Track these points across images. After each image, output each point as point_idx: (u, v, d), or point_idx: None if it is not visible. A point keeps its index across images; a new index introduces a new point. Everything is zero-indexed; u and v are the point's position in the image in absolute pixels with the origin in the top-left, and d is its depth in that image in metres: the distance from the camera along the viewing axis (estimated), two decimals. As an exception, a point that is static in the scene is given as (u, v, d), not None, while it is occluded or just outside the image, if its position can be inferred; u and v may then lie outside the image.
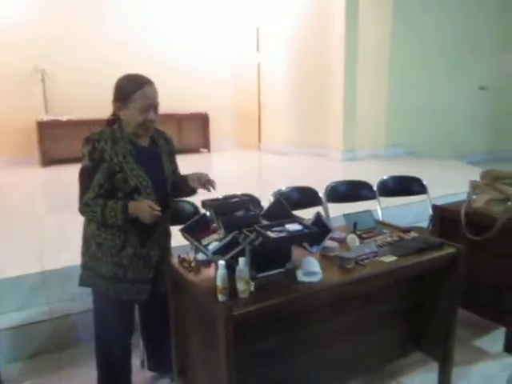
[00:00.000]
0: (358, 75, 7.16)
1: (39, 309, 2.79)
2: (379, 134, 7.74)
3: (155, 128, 2.04)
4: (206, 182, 2.03)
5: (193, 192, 2.18)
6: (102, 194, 1.86)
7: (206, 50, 8.42)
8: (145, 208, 1.83)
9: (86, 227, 2.00)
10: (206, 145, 8.42)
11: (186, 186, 2.10)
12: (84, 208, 1.87)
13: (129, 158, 1.89)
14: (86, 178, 1.86)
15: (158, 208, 1.85)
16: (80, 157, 1.91)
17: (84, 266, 2.02)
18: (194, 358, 2.01)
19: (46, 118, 7.03)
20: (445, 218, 2.90)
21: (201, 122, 8.33)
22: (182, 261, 1.98)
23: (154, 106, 1.90)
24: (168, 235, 2.18)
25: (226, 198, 2.11)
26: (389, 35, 7.48)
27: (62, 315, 2.74)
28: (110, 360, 2.13)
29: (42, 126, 6.90)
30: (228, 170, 6.85)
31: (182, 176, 2.17)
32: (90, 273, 1.99)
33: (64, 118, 7.03)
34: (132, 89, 1.85)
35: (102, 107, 2.16)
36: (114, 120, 1.96)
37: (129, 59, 7.30)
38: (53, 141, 6.85)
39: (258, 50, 8.55)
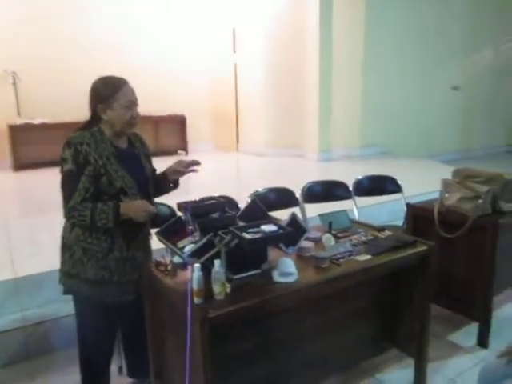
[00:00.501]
0: (332, 76, 7.26)
1: (12, 316, 2.73)
2: (354, 135, 7.86)
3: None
4: (187, 166, 2.10)
5: (175, 185, 2.22)
6: (89, 198, 1.84)
7: (182, 52, 8.38)
8: (138, 206, 1.87)
9: (67, 233, 1.97)
10: (183, 147, 8.37)
11: (166, 181, 2.15)
12: (71, 212, 1.84)
13: (112, 159, 1.89)
14: (70, 181, 1.83)
15: (151, 205, 1.89)
16: (55, 160, 1.92)
17: (67, 273, 1.97)
18: (171, 361, 2.00)
19: (18, 121, 6.88)
20: (418, 216, 2.96)
21: (178, 123, 8.29)
22: (157, 264, 1.97)
23: (135, 102, 1.94)
24: (149, 235, 2.17)
25: (203, 200, 2.10)
26: (362, 37, 7.60)
27: (34, 322, 2.69)
28: (93, 364, 2.12)
29: (14, 130, 6.74)
30: (206, 172, 6.76)
31: (160, 173, 2.19)
32: (74, 280, 1.96)
33: (37, 121, 6.89)
34: (114, 88, 1.87)
35: (75, 110, 2.16)
36: (90, 123, 1.94)
37: (103, 61, 7.20)
38: (25, 144, 6.71)
39: (234, 51, 8.56)
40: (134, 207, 1.88)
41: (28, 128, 6.79)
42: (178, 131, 8.32)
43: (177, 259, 1.93)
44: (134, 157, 2.04)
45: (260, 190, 3.15)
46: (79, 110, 2.01)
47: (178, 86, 8.27)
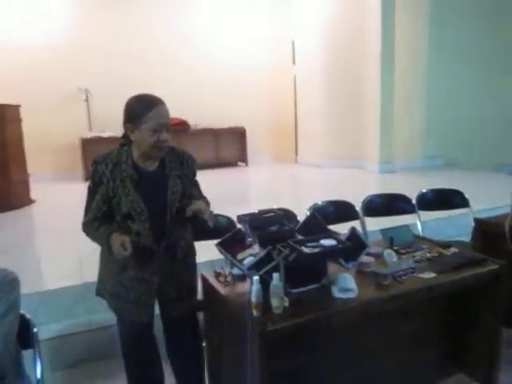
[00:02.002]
0: (394, 85, 7.07)
1: (78, 320, 2.87)
2: (416, 145, 7.60)
3: (173, 148, 1.95)
4: (198, 212, 1.85)
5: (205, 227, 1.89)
6: (100, 217, 1.84)
7: (243, 65, 8.54)
8: (117, 244, 1.73)
9: None
10: (243, 158, 8.50)
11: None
12: (84, 228, 1.89)
13: (127, 182, 1.83)
14: (88, 198, 1.87)
15: (129, 248, 1.72)
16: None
17: (99, 277, 2.06)
18: (227, 372, 2.01)
19: (89, 135, 7.33)
20: (487, 232, 2.80)
21: (238, 135, 8.43)
22: (217, 275, 2.00)
23: (166, 125, 1.82)
24: (178, 263, 1.98)
25: (261, 213, 2.12)
26: (427, 44, 7.38)
27: (100, 327, 2.81)
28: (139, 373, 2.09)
29: (86, 143, 7.19)
30: (265, 184, 6.89)
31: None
32: (101, 285, 2.03)
33: (105, 134, 7.30)
34: (143, 109, 1.78)
35: None
36: (125, 142, 1.90)
37: (167, 76, 7.54)
38: (95, 156, 7.11)
39: (294, 62, 8.62)
40: (115, 243, 1.74)
41: (97, 141, 7.21)
42: (238, 143, 8.47)
43: (236, 271, 1.96)
44: (159, 180, 1.90)
45: (319, 202, 3.12)
46: None
47: (238, 99, 8.43)
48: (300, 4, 8.18)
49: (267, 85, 8.80)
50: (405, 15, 7.13)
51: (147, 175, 1.88)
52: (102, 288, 2.02)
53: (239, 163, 8.57)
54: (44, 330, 2.73)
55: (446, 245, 2.27)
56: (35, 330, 1.72)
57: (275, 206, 2.76)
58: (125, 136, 1.89)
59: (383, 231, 2.33)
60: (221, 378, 2.08)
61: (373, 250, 2.13)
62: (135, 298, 1.92)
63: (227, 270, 2.01)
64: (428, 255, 2.15)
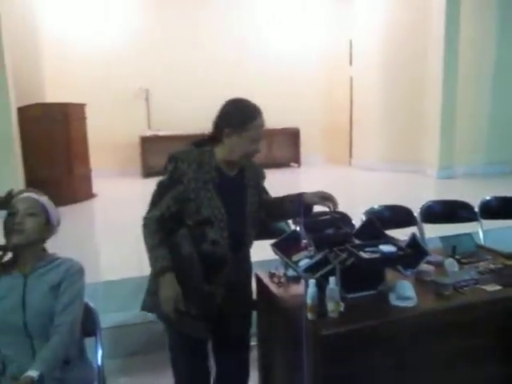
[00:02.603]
0: (457, 85, 6.78)
1: (137, 311, 2.97)
2: (480, 150, 7.23)
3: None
4: (326, 199, 1.90)
5: (307, 210, 1.94)
6: (168, 217, 1.72)
7: (298, 65, 8.51)
8: (168, 293, 1.66)
9: None
10: (296, 159, 8.48)
11: (290, 205, 1.92)
12: (144, 223, 1.75)
13: (210, 186, 1.74)
14: (157, 193, 1.76)
15: (181, 307, 1.67)
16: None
17: (148, 290, 1.86)
18: (279, 374, 2.01)
19: (148, 133, 7.59)
20: (559, 245, 2.61)
21: (292, 136, 8.42)
22: (271, 276, 2.01)
23: (261, 137, 1.79)
24: (242, 275, 1.93)
25: (317, 215, 2.10)
26: (494, 42, 7.01)
27: (155, 320, 2.89)
28: None
29: (145, 141, 7.47)
30: (318, 186, 6.79)
31: (285, 197, 1.98)
32: (152, 298, 1.80)
33: (161, 133, 7.53)
34: (248, 117, 1.74)
35: (197, 123, 2.08)
36: (206, 141, 1.83)
37: (224, 77, 7.65)
38: (153, 154, 7.37)
39: (350, 63, 8.48)
40: (166, 290, 1.67)
41: (155, 139, 7.47)
42: (292, 144, 8.46)
43: (290, 272, 1.96)
44: (239, 187, 1.85)
45: (375, 206, 3.05)
46: (200, 124, 1.93)
47: (292, 99, 8.40)
48: (361, 4, 8.03)
49: (322, 85, 8.72)
50: (471, 12, 6.82)
51: (228, 180, 1.80)
52: (153, 302, 1.80)
53: (292, 164, 8.55)
54: (103, 320, 2.87)
55: (512, 256, 2.15)
56: (98, 318, 1.79)
57: (328, 209, 2.73)
58: (214, 137, 1.80)
59: (444, 239, 2.24)
60: (273, 376, 2.08)
61: (433, 258, 2.05)
62: (196, 313, 1.76)
63: (281, 271, 2.01)
64: (492, 266, 2.05)
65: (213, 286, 1.78)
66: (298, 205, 1.93)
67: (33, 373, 1.40)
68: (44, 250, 1.69)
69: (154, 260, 1.71)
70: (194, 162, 1.73)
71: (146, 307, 1.89)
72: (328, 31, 8.56)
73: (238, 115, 1.75)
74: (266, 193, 2.04)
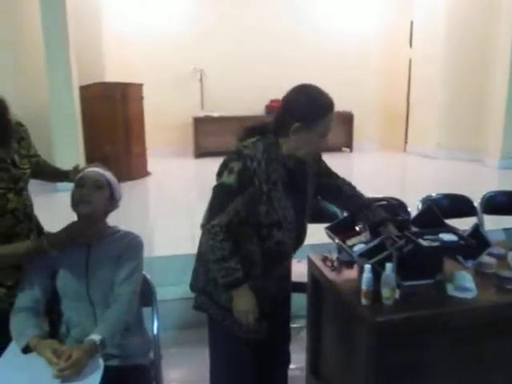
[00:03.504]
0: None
1: (188, 287, 3.06)
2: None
3: None
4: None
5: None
6: (236, 223, 1.56)
7: (354, 46, 8.27)
8: (245, 307, 1.59)
9: (203, 246, 1.72)
10: (348, 144, 8.32)
11: (365, 219, 1.84)
12: (211, 230, 1.55)
13: (279, 185, 1.58)
14: (224, 196, 1.55)
15: (257, 316, 1.61)
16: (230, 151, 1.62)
17: (201, 290, 1.75)
18: (328, 357, 2.02)
19: (201, 114, 7.70)
20: None
21: (345, 120, 8.23)
22: (324, 259, 2.00)
23: (330, 132, 1.62)
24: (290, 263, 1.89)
25: (374, 201, 2.06)
26: None
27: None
28: None
29: (197, 122, 7.58)
30: (371, 172, 6.67)
31: (368, 203, 1.87)
32: (206, 298, 1.73)
33: (215, 114, 7.60)
34: (321, 113, 1.55)
35: (249, 106, 1.91)
36: (267, 130, 1.64)
37: (274, 60, 7.58)
38: (205, 135, 7.48)
39: (410, 45, 8.14)
40: (243, 304, 1.59)
41: (208, 120, 7.56)
42: (344, 128, 8.28)
43: (344, 256, 1.94)
44: (301, 178, 1.71)
45: (433, 194, 2.95)
46: (251, 105, 1.75)
47: (346, 81, 8.18)
48: (423, -18, 7.66)
49: (379, 68, 8.43)
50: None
51: (292, 174, 1.64)
52: (207, 301, 1.72)
53: (343, 149, 8.39)
54: (159, 292, 2.98)
55: None
56: (155, 290, 1.86)
57: (381, 196, 2.66)
58: (278, 128, 1.61)
59: (508, 232, 2.15)
60: (322, 361, 2.09)
61: (495, 250, 1.95)
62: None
63: (334, 255, 2.00)
64: (560, 262, 1.93)
65: (267, 280, 1.69)
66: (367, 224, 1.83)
67: (95, 336, 1.47)
68: (105, 223, 1.76)
69: (224, 272, 1.56)
70: (262, 159, 1.55)
71: (199, 307, 1.77)
72: (387, 11, 8.23)
73: (312, 110, 1.54)
74: (331, 174, 1.88)
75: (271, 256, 1.64)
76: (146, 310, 1.86)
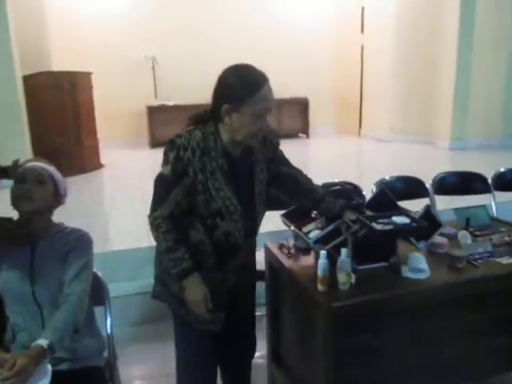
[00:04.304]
0: (473, 55, 6.58)
1: (146, 281, 2.98)
2: (495, 121, 7.07)
3: None
4: None
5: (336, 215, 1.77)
6: (178, 213, 1.51)
7: (307, 33, 8.29)
8: (197, 296, 1.54)
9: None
10: (304, 130, 8.37)
11: (329, 212, 1.78)
12: (153, 222, 1.52)
13: (218, 175, 1.52)
14: (162, 187, 1.52)
15: (210, 307, 1.56)
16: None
17: (157, 278, 1.74)
18: (289, 344, 2.01)
19: (155, 103, 7.50)
20: None
21: (300, 106, 8.29)
22: (281, 246, 1.99)
23: (270, 109, 1.51)
24: (251, 254, 1.84)
25: (328, 186, 2.06)
26: (510, 15, 6.74)
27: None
28: None
29: (151, 111, 7.39)
30: (327, 157, 6.73)
31: (323, 195, 1.80)
32: (162, 288, 1.70)
33: (171, 102, 7.42)
34: (251, 90, 1.45)
35: (205, 92, 1.83)
36: (208, 117, 1.57)
37: (231, 45, 7.47)
38: (160, 124, 7.30)
39: (362, 31, 8.24)
40: (194, 294, 1.54)
41: (163, 109, 7.38)
42: (300, 114, 8.33)
43: (300, 243, 1.93)
44: (247, 167, 1.63)
45: (387, 177, 3.00)
46: (209, 93, 1.66)
47: (301, 68, 8.23)
48: (373, -32, 7.75)
49: (332, 54, 8.51)
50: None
51: (235, 163, 1.57)
52: (164, 291, 1.70)
53: (300, 135, 8.44)
54: (114, 288, 2.88)
55: (529, 229, 2.09)
56: (107, 288, 1.79)
57: (337, 180, 2.69)
58: (214, 113, 1.53)
59: (458, 211, 2.19)
60: (282, 348, 2.09)
61: (446, 230, 2.01)
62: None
63: (291, 242, 1.99)
64: (507, 239, 2.00)
65: (224, 272, 1.65)
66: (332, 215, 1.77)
67: (42, 341, 1.39)
68: (51, 220, 1.66)
69: (172, 263, 1.52)
70: (197, 148, 1.49)
71: (157, 296, 1.74)
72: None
73: (240, 89, 1.45)
74: (288, 165, 1.79)
75: (222, 247, 1.61)
76: (100, 309, 1.79)
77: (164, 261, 1.58)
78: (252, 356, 2.00)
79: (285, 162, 1.79)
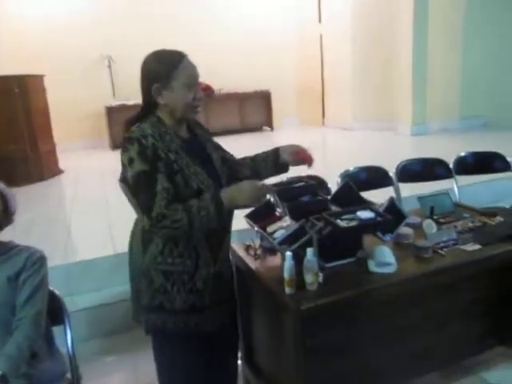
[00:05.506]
0: (428, 41, 6.68)
1: (114, 290, 2.88)
2: (453, 105, 7.24)
3: None
4: (302, 158, 1.74)
5: (283, 169, 1.80)
6: (172, 201, 1.41)
7: (265, 25, 8.24)
8: (251, 189, 1.48)
9: (139, 256, 1.55)
10: (268, 123, 8.33)
11: (262, 164, 1.77)
12: (161, 222, 1.38)
13: (182, 154, 1.49)
14: (145, 184, 1.41)
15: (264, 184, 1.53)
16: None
17: (148, 307, 1.55)
18: (260, 346, 1.98)
19: (114, 103, 7.28)
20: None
21: (263, 99, 8.24)
22: (247, 248, 1.93)
23: (198, 80, 1.54)
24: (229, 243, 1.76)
25: (291, 182, 2.02)
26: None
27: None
28: None
29: (111, 111, 7.16)
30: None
31: (253, 156, 1.81)
32: (157, 314, 1.54)
33: (131, 102, 7.21)
34: (171, 64, 1.48)
35: None
36: (144, 112, 1.55)
37: (190, 41, 7.29)
38: (121, 125, 7.02)
39: (319, 21, 8.24)
40: (244, 192, 1.48)
41: (123, 109, 7.16)
42: (263, 107, 8.29)
43: (266, 243, 1.88)
44: (200, 148, 1.63)
45: (350, 169, 2.98)
46: None
47: (262, 61, 8.18)
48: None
49: (292, 45, 8.50)
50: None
51: (189, 143, 1.56)
52: (160, 316, 1.54)
53: (264, 128, 8.40)
54: (80, 300, 2.78)
55: (491, 213, 2.12)
56: (65, 305, 1.69)
57: (303, 173, 2.64)
58: (148, 103, 1.53)
59: (421, 200, 2.20)
60: (255, 349, 2.05)
61: (411, 220, 2.00)
62: (210, 301, 1.57)
63: (257, 243, 1.94)
64: (471, 225, 2.02)
65: (219, 263, 1.59)
66: (272, 165, 1.77)
67: (-6, 372, 1.30)
68: (-2, 239, 1.56)
69: (201, 210, 1.40)
70: (155, 133, 1.46)
71: (153, 326, 1.57)
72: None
73: (160, 66, 1.49)
74: (226, 151, 1.80)
75: (211, 232, 1.52)
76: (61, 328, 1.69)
77: (199, 222, 1.41)
78: (236, 353, 1.91)
79: (224, 149, 1.80)
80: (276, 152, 1.78)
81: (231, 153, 1.83)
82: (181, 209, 1.39)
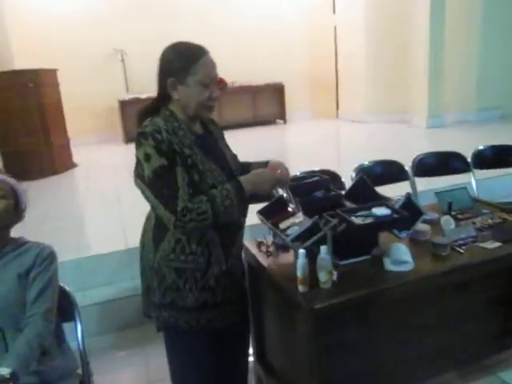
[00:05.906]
0: (445, 30, 6.53)
1: (125, 284, 2.89)
2: (469, 97, 7.07)
3: None
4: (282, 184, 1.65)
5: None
6: (194, 194, 1.39)
7: (279, 17, 8.15)
8: (269, 176, 1.51)
9: (150, 254, 1.52)
10: (281, 116, 8.26)
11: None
12: (186, 216, 1.34)
13: (196, 149, 1.45)
14: (166, 179, 1.37)
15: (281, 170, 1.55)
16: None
17: (159, 305, 1.53)
18: (273, 344, 1.95)
19: (127, 97, 7.28)
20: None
21: (276, 92, 8.17)
22: (259, 244, 1.90)
23: (216, 79, 1.50)
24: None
25: (305, 177, 1.97)
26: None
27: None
28: None
29: (124, 105, 7.17)
30: (305, 142, 6.64)
31: (245, 164, 1.75)
32: (169, 311, 1.52)
33: (144, 95, 7.21)
34: (190, 59, 1.43)
35: None
36: (157, 105, 1.52)
37: (203, 34, 7.22)
38: (134, 118, 7.07)
39: (334, 12, 8.11)
40: (264, 177, 1.50)
41: (136, 103, 7.14)
42: (277, 100, 8.22)
43: (279, 240, 1.85)
44: (214, 144, 1.60)
45: (365, 163, 2.92)
46: None
47: (275, 53, 8.10)
48: None
49: (305, 37, 8.39)
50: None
51: (204, 139, 1.53)
52: (171, 313, 1.52)
53: (277, 121, 8.33)
54: (92, 294, 2.78)
55: (511, 209, 2.05)
56: (75, 301, 1.68)
57: (316, 167, 2.60)
58: (162, 96, 1.50)
59: (439, 195, 2.13)
60: (267, 348, 2.02)
61: (428, 216, 1.94)
62: (222, 298, 1.54)
63: (269, 239, 1.90)
64: (490, 222, 1.95)
65: (230, 261, 1.55)
66: None
67: (4, 370, 1.29)
68: (8, 236, 1.54)
69: (224, 198, 1.39)
70: (168, 128, 1.42)
71: (165, 323, 1.54)
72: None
73: (178, 59, 1.44)
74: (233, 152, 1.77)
75: (223, 227, 1.48)
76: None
77: (223, 212, 1.39)
78: (247, 352, 1.86)
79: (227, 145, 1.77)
80: (266, 165, 1.68)
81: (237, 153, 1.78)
82: (205, 200, 1.36)
